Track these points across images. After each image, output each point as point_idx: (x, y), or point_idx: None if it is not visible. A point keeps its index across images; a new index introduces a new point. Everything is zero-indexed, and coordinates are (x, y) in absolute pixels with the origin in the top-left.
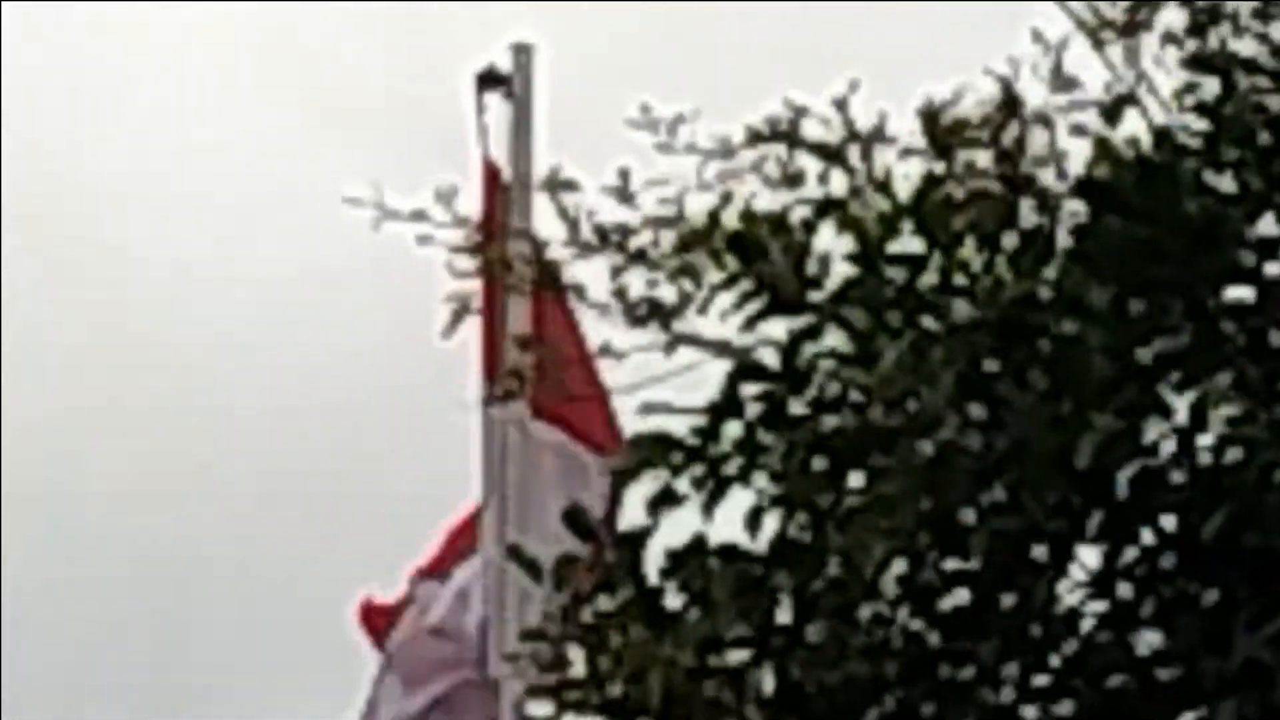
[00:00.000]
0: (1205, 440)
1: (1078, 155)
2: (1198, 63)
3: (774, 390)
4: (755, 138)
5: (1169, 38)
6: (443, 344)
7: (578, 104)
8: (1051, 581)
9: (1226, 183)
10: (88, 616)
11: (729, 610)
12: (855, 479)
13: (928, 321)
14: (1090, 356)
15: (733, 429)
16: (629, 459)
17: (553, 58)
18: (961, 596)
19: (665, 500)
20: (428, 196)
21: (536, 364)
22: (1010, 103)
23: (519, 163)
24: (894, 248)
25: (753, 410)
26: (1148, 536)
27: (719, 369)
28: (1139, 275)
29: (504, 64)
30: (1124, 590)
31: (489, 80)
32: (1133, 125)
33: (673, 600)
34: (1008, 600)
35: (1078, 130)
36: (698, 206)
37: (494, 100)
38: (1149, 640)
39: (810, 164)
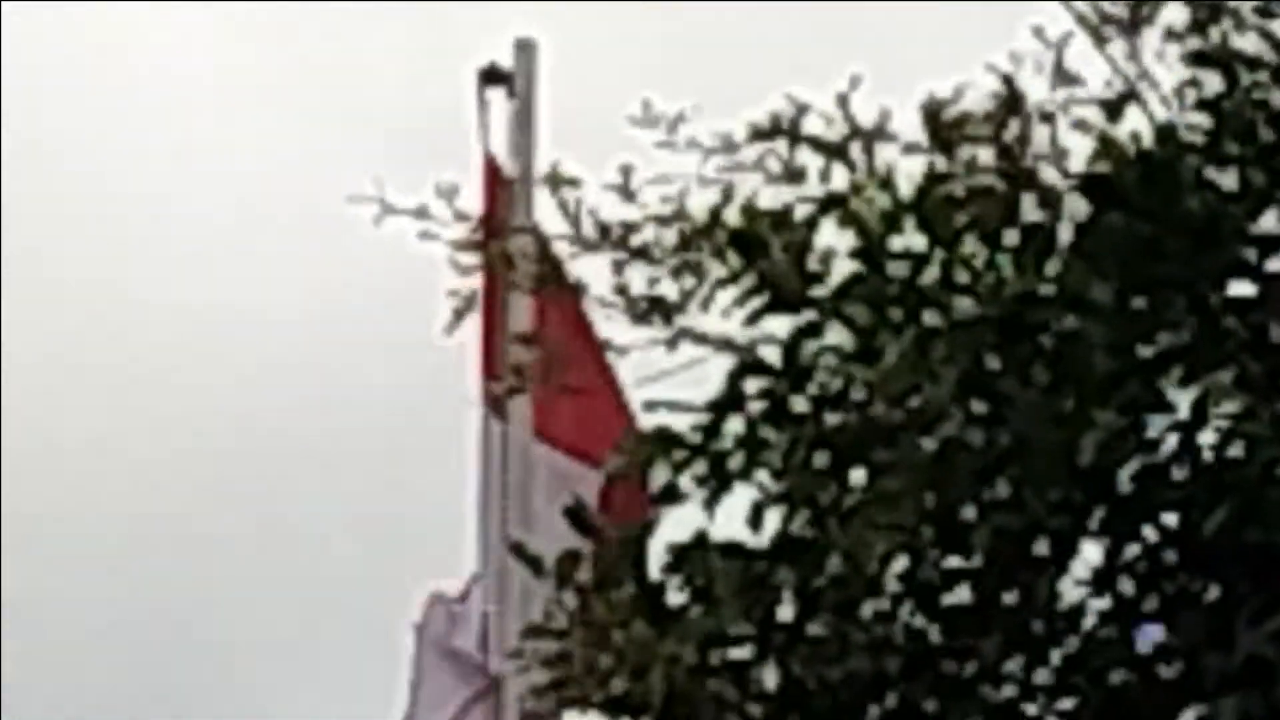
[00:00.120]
0: (1207, 436)
1: (1079, 151)
2: (1199, 59)
3: (776, 387)
4: (757, 134)
5: (1170, 34)
6: (447, 342)
7: (580, 101)
8: (1053, 578)
9: (1228, 179)
10: (88, 624)
11: (731, 606)
12: (857, 475)
13: (930, 318)
14: (1092, 352)
15: (735, 425)
16: (632, 455)
17: (555, 55)
18: (963, 593)
19: (667, 497)
20: (430, 193)
21: (540, 361)
22: (1012, 99)
23: (521, 160)
24: (896, 244)
25: (755, 407)
26: (1150, 533)
27: (721, 365)
28: (1141, 271)
29: (507, 61)
30: (1126, 586)
31: (492, 77)
32: (1134, 121)
33: (675, 596)
34: (1010, 597)
35: (1080, 126)
36: (699, 203)
37: (497, 97)
38: (1151, 635)
39: (812, 160)
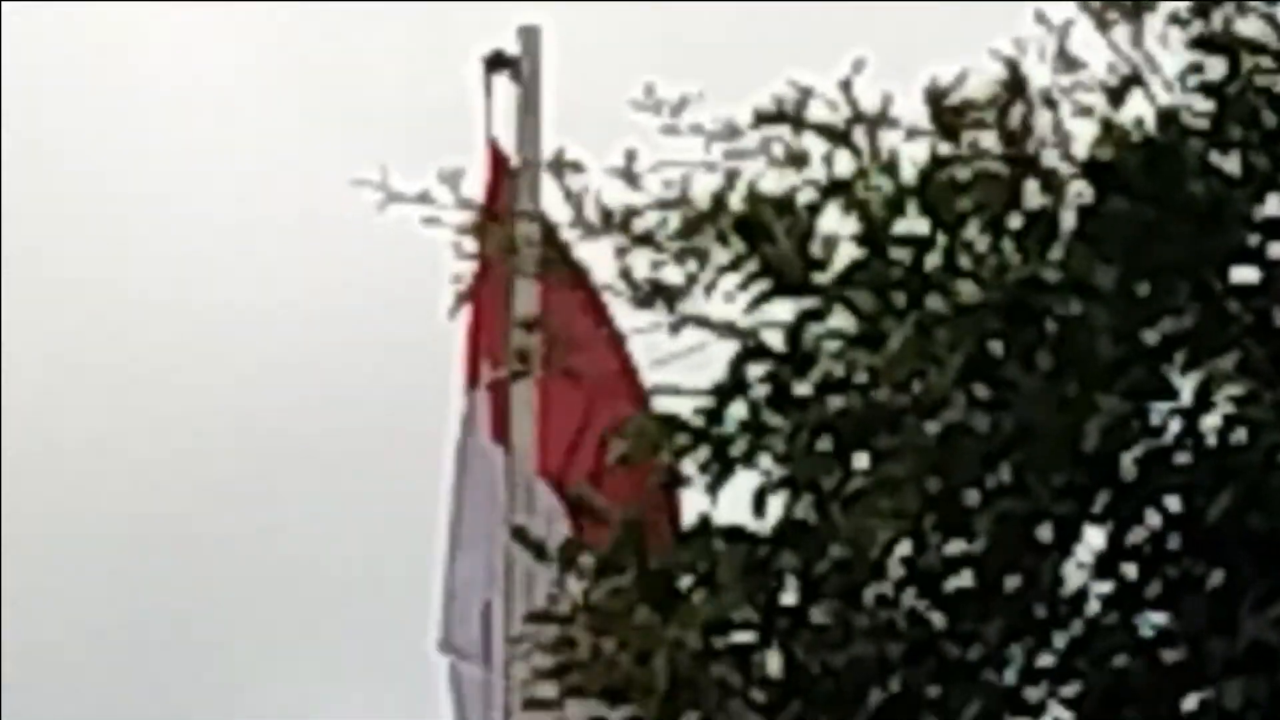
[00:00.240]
0: (1211, 421)
1: (1083, 136)
2: (1202, 44)
3: (779, 372)
4: (760, 119)
5: (1173, 19)
6: (448, 341)
7: (585, 87)
8: (1056, 563)
9: (1231, 164)
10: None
11: (734, 592)
12: (861, 460)
13: (933, 303)
14: (1096, 338)
15: (738, 410)
16: (636, 440)
17: (560, 40)
18: (966, 578)
19: (671, 482)
20: (435, 180)
21: (544, 346)
22: (1015, 84)
23: (526, 146)
24: (899, 229)
25: (758, 392)
26: (1153, 518)
27: (724, 350)
28: (1144, 256)
29: (511, 47)
30: (1129, 572)
31: (496, 63)
32: (1138, 106)
33: (679, 582)
34: (1013, 582)
35: (1083, 111)
36: (703, 188)
37: (501, 83)
38: (1154, 621)
39: (815, 145)
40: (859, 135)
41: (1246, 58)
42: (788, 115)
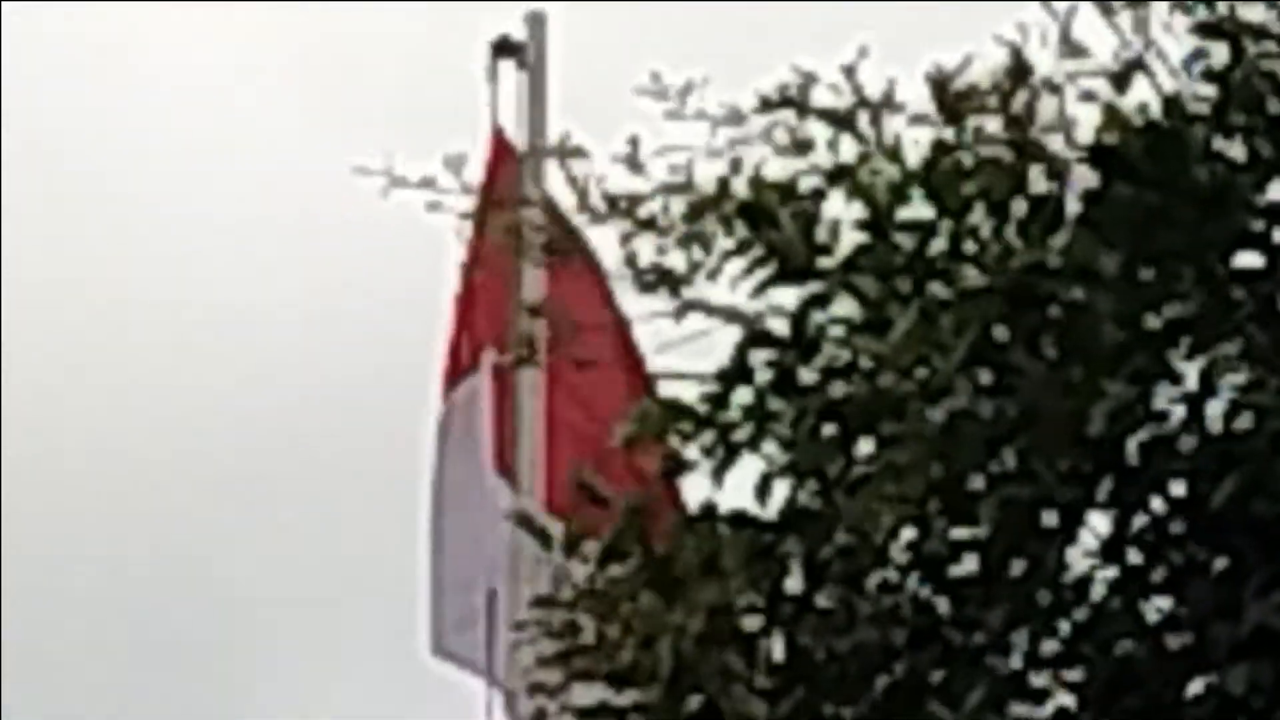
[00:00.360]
0: (1215, 407)
1: (1087, 122)
2: (1207, 29)
3: (784, 357)
4: (765, 105)
5: (1178, 4)
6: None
7: (591, 73)
8: (1061, 548)
9: (1235, 149)
10: (88, 625)
11: (739, 577)
12: (865, 446)
13: (937, 289)
14: (1100, 323)
15: (742, 396)
16: (640, 426)
17: (566, 26)
18: (971, 564)
19: (675, 468)
20: (439, 166)
21: (549, 331)
22: (1019, 70)
23: (533, 131)
24: (904, 215)
25: (762, 377)
26: (1158, 504)
27: (729, 336)
28: (1148, 242)
29: (518, 33)
30: (1134, 557)
31: (503, 49)
32: (1142, 92)
33: (683, 568)
34: (1017, 567)
35: (1087, 97)
36: (707, 174)
37: (508, 69)
38: (1159, 606)
39: (820, 131)
40: (863, 121)
41: (1250, 43)
42: (792, 101)
